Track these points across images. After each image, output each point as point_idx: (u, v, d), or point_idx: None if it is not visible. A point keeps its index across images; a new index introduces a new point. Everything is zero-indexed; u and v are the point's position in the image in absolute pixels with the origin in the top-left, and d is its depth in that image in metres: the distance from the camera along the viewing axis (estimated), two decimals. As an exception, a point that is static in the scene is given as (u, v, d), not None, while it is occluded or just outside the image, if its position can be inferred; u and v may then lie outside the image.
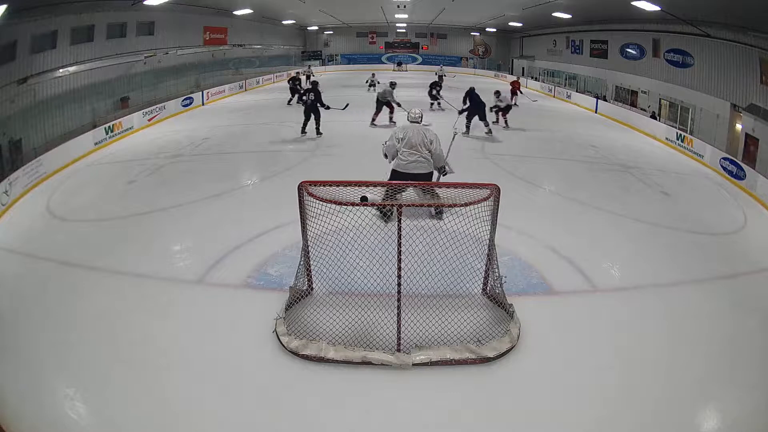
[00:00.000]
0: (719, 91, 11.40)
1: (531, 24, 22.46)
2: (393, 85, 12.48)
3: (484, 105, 10.61)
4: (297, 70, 17.01)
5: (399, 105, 11.94)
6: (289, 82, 16.09)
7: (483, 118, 10.64)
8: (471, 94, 10.74)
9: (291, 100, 15.12)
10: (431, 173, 5.50)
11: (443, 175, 5.68)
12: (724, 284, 4.79)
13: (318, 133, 10.27)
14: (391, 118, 12.05)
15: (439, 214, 5.50)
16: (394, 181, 5.16)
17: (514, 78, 20.56)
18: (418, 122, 5.58)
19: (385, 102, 11.85)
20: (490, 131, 10.86)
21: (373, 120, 11.76)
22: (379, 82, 18.19)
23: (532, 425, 2.96)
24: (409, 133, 5.41)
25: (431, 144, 5.39)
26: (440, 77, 21.43)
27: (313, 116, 10.12)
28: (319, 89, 10.18)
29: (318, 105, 9.94)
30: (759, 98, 9.94)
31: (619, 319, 4.04)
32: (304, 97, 10.13)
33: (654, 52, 14.47)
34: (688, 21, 11.54)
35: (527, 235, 5.48)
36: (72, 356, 3.46)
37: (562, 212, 6.49)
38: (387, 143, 5.59)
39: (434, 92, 14.34)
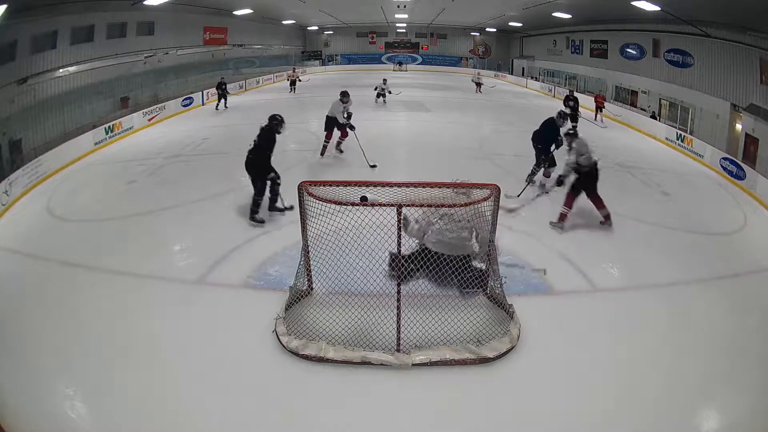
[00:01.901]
0: (719, 91, 11.41)
1: (531, 24, 22.46)
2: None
3: (550, 143, 7.07)
4: (223, 76, 15.79)
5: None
6: (217, 88, 14.76)
7: (539, 162, 7.31)
8: (544, 125, 7.19)
9: (218, 105, 14.63)
10: (467, 256, 4.13)
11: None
12: (724, 284, 4.79)
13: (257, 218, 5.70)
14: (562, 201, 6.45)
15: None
16: (394, 181, 5.07)
17: (598, 92, 16.01)
18: None
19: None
20: (545, 188, 7.27)
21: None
22: (390, 92, 14.98)
23: (532, 425, 2.96)
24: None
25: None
26: (478, 84, 19.65)
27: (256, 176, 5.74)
28: (281, 131, 5.92)
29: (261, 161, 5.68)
30: (759, 98, 9.94)
31: (619, 319, 4.04)
32: (251, 144, 5.90)
33: (654, 52, 14.48)
34: (688, 21, 11.54)
35: (528, 235, 5.47)
36: (72, 356, 3.46)
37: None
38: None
39: (569, 109, 11.28)
